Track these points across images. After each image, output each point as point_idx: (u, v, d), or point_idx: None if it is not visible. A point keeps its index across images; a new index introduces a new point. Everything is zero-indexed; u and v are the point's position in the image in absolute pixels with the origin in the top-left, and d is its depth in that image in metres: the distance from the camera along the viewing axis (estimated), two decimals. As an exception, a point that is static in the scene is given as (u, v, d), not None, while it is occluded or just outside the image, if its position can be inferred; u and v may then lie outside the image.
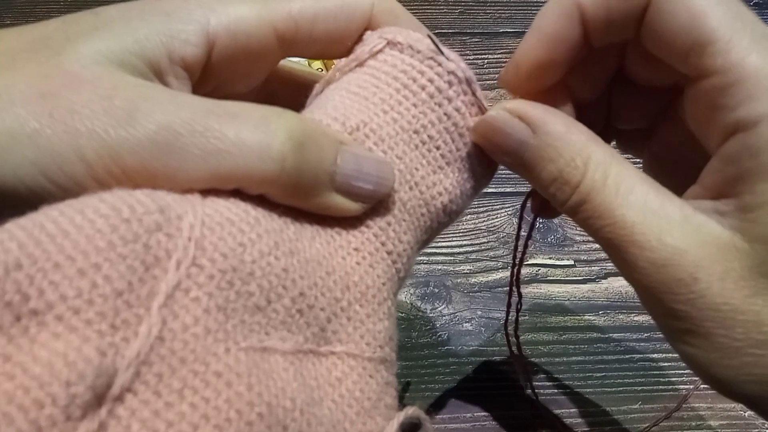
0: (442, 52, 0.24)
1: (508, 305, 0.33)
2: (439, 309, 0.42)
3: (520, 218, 0.30)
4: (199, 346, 0.18)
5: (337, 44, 0.25)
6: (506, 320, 0.34)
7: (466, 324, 0.41)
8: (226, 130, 0.19)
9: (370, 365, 0.22)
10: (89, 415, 0.15)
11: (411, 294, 0.42)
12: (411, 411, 0.22)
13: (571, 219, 0.23)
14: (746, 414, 0.38)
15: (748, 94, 0.20)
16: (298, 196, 0.21)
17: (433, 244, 0.45)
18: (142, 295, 0.17)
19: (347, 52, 0.25)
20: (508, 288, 0.32)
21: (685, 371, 0.39)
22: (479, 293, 0.43)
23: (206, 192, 0.20)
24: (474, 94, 0.24)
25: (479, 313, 0.42)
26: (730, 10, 0.21)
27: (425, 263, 0.44)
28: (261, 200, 0.21)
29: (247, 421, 0.18)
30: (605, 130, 0.29)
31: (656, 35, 0.22)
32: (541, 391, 0.38)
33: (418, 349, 0.40)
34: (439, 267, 0.44)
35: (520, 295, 0.32)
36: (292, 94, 0.28)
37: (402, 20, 0.26)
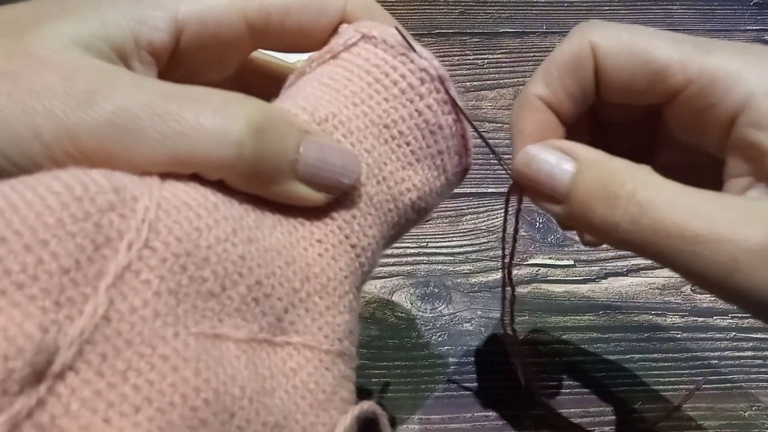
0: (413, 49, 0.24)
1: (503, 299, 0.33)
2: (439, 309, 0.42)
3: (506, 212, 0.29)
4: (146, 329, 0.18)
5: (309, 37, 0.25)
6: (502, 314, 0.34)
7: (466, 324, 0.41)
8: (185, 113, 0.19)
9: (326, 357, 0.22)
10: (27, 391, 0.15)
11: (411, 294, 0.42)
12: (367, 405, 0.22)
13: (618, 246, 0.22)
14: (746, 414, 0.38)
15: (724, 85, 0.21)
16: (258, 184, 0.21)
17: (433, 244, 0.45)
18: (90, 274, 0.17)
19: (320, 46, 0.25)
20: (507, 287, 0.32)
21: (686, 371, 0.39)
22: (479, 293, 0.43)
23: (166, 175, 0.20)
24: (447, 92, 0.24)
25: (479, 313, 0.42)
26: (664, 36, 0.22)
27: (425, 263, 0.44)
28: (222, 186, 0.21)
29: (191, 406, 0.18)
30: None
31: (616, 88, 0.23)
32: (541, 391, 0.38)
33: (418, 349, 0.40)
34: (439, 267, 0.44)
35: (513, 288, 0.32)
36: (266, 85, 0.28)
37: (377, 16, 0.26)
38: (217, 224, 0.20)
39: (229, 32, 0.24)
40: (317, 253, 0.22)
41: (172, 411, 0.17)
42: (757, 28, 0.62)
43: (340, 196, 0.23)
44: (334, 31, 0.25)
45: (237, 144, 0.20)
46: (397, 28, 0.24)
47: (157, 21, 0.22)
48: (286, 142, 0.21)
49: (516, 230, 0.29)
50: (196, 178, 0.20)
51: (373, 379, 0.38)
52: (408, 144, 0.24)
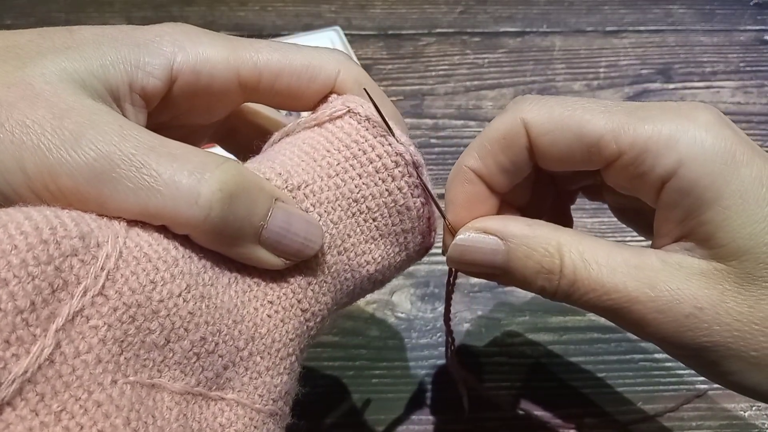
0: (392, 133, 0.25)
1: (447, 339, 0.34)
2: (439, 309, 0.42)
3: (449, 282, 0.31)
4: (86, 374, 0.18)
5: (297, 100, 0.26)
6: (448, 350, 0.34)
7: (466, 324, 0.41)
8: (162, 170, 0.20)
9: (257, 417, 0.23)
10: None
11: (411, 294, 0.42)
12: None
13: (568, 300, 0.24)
14: (746, 414, 0.38)
15: (654, 154, 0.22)
16: (220, 245, 0.22)
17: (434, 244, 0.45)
18: (43, 315, 0.18)
19: (307, 108, 0.27)
20: (448, 320, 0.33)
21: (686, 371, 0.39)
22: (479, 293, 0.43)
23: (133, 222, 0.21)
24: (419, 177, 0.25)
25: (479, 313, 0.42)
26: (596, 107, 0.24)
27: (425, 263, 0.44)
28: (185, 239, 0.21)
29: None
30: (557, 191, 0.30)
31: (551, 160, 0.25)
32: (542, 391, 0.38)
33: (418, 349, 0.40)
34: (439, 267, 0.44)
35: (450, 332, 0.33)
36: (252, 133, 0.29)
37: (367, 89, 0.27)
38: (172, 279, 0.21)
39: (221, 86, 0.25)
40: (267, 314, 0.23)
41: None
42: (757, 28, 0.62)
43: (299, 262, 0.24)
44: (325, 97, 0.26)
45: (206, 207, 0.20)
46: (379, 111, 0.25)
47: (154, 68, 0.24)
48: (255, 208, 0.22)
49: (449, 296, 0.31)
50: (163, 228, 0.21)
51: (373, 380, 0.38)
52: (374, 220, 0.25)
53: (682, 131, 0.22)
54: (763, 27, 0.63)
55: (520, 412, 0.37)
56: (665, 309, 0.22)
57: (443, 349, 0.40)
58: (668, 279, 0.22)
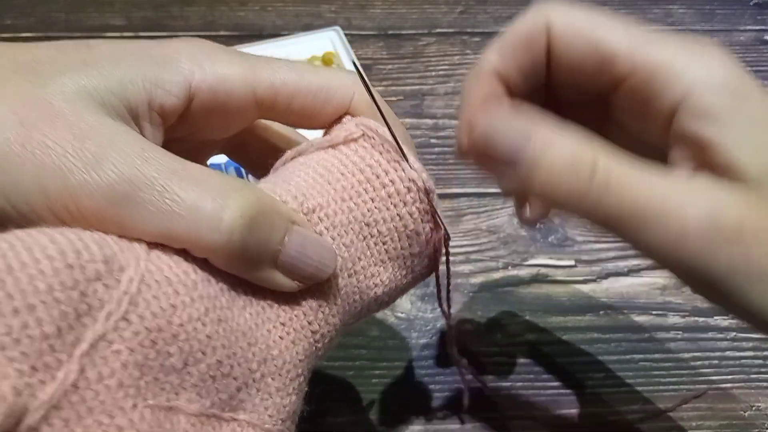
0: (406, 159, 0.25)
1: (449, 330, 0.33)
2: (439, 309, 0.41)
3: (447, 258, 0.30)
4: (109, 398, 0.19)
5: (312, 120, 0.27)
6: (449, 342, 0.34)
7: (467, 324, 0.41)
8: (184, 194, 0.20)
9: None
10: None
11: (411, 294, 0.42)
12: None
13: (579, 216, 0.23)
14: (746, 414, 0.38)
15: (665, 77, 0.22)
16: (239, 268, 0.22)
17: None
18: (68, 341, 0.18)
19: (321, 127, 0.27)
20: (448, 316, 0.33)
21: (686, 371, 0.39)
22: (479, 293, 0.43)
23: (153, 244, 0.21)
24: (430, 203, 0.26)
25: (479, 313, 0.42)
26: (620, 23, 0.23)
27: (425, 263, 0.44)
28: (203, 262, 0.22)
29: None
30: None
31: (565, 68, 0.24)
32: (542, 391, 0.38)
33: (418, 349, 0.40)
34: (439, 267, 0.44)
35: (448, 315, 0.33)
36: (261, 148, 0.30)
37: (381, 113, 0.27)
38: (192, 303, 0.21)
39: (238, 104, 0.25)
40: (279, 336, 0.23)
41: None
42: (757, 28, 0.62)
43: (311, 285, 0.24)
44: (339, 118, 0.27)
45: (227, 232, 0.21)
46: (395, 136, 0.25)
47: (172, 86, 0.24)
48: (273, 233, 0.22)
49: (448, 277, 0.30)
50: (182, 251, 0.21)
51: (373, 380, 0.38)
52: (384, 243, 0.26)
53: (695, 60, 0.22)
54: (763, 27, 0.63)
55: (520, 412, 0.37)
56: (706, 225, 0.21)
57: (443, 348, 0.40)
58: (707, 196, 0.22)
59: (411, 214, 0.26)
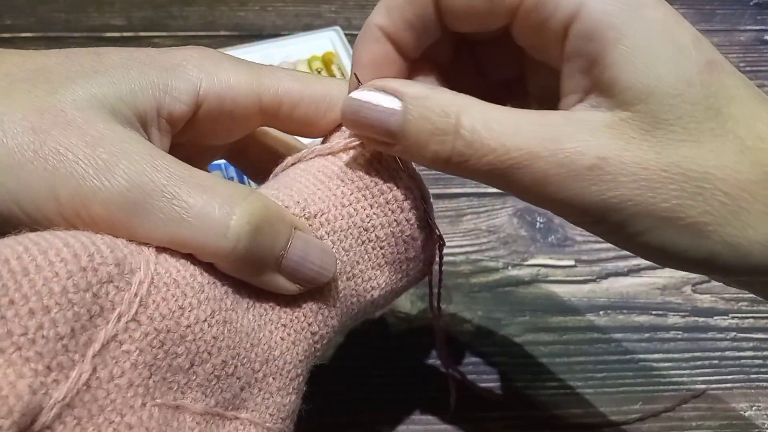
0: (405, 168, 0.26)
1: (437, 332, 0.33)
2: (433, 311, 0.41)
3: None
4: (119, 397, 0.19)
5: (313, 127, 0.27)
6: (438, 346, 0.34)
7: (466, 324, 0.41)
8: (192, 201, 0.21)
9: None
10: None
11: (411, 294, 0.42)
12: None
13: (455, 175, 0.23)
14: (746, 414, 0.38)
15: None
16: (243, 273, 0.23)
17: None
18: (81, 341, 0.19)
19: (321, 135, 0.28)
20: (438, 318, 0.33)
21: (686, 371, 0.39)
22: (479, 293, 0.43)
23: (161, 248, 0.22)
24: (425, 210, 0.26)
25: (479, 313, 0.42)
26: None
27: (425, 263, 0.44)
28: (209, 266, 0.22)
29: None
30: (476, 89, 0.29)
31: (457, 14, 0.23)
32: (542, 391, 0.38)
33: (418, 349, 0.40)
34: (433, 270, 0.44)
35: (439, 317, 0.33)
36: (263, 154, 0.30)
37: None
38: (199, 305, 0.21)
39: (243, 111, 0.26)
40: (280, 337, 0.24)
41: None
42: (757, 28, 0.62)
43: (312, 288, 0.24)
44: (338, 126, 0.27)
45: (233, 239, 0.21)
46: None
47: (181, 94, 0.24)
48: (277, 239, 0.23)
49: (440, 278, 0.31)
50: (189, 255, 0.22)
51: (373, 380, 0.38)
52: (382, 248, 0.26)
53: None
54: (763, 27, 0.63)
55: (520, 412, 0.37)
56: (567, 162, 0.21)
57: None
58: (571, 132, 0.21)
59: (408, 220, 0.26)
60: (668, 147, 0.21)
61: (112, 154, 0.21)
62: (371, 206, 0.26)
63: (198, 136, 0.26)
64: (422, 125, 0.23)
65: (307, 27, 0.60)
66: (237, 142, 0.29)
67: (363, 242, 0.26)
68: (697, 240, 0.21)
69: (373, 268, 0.27)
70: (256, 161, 0.30)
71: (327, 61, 0.54)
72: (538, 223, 0.46)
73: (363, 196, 0.26)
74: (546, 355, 0.40)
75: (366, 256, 0.26)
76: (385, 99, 0.23)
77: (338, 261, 0.25)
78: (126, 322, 0.20)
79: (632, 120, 0.21)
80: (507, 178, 0.22)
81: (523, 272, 0.44)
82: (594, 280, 0.44)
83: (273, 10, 0.62)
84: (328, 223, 0.25)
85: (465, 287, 0.43)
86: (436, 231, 0.27)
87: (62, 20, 0.60)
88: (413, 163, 0.27)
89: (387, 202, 0.26)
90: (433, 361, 0.39)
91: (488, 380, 0.39)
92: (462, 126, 0.22)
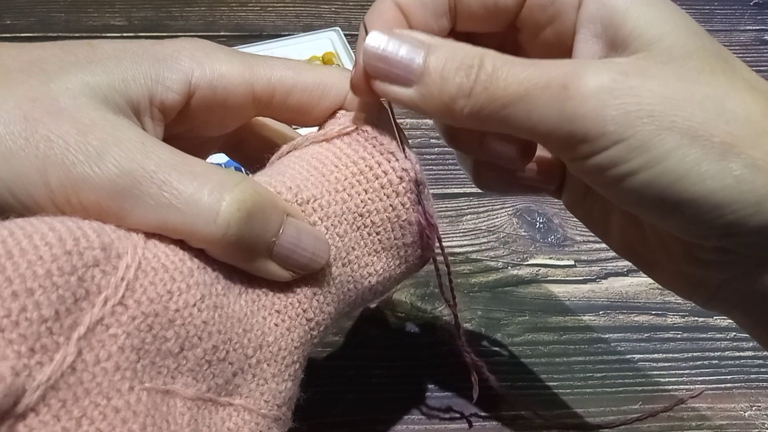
0: (404, 150, 0.26)
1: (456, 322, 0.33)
2: (439, 309, 0.41)
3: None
4: (105, 380, 0.19)
5: (307, 115, 0.27)
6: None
7: (466, 324, 0.41)
8: (182, 188, 0.21)
9: (263, 421, 0.23)
10: None
11: (411, 294, 0.42)
12: None
13: (472, 124, 0.23)
14: (746, 414, 0.38)
15: None
16: (234, 259, 0.23)
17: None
18: (66, 324, 0.19)
19: (316, 123, 0.28)
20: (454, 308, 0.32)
21: (686, 371, 0.39)
22: (479, 293, 0.43)
23: (151, 234, 0.22)
24: (419, 194, 0.26)
25: (479, 313, 0.42)
26: None
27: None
28: (200, 251, 0.22)
29: None
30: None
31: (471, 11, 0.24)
32: (542, 391, 0.38)
33: (418, 349, 0.40)
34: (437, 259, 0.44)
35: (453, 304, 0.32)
36: (259, 144, 0.30)
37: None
38: (188, 289, 0.21)
39: (236, 100, 0.26)
40: (274, 323, 0.24)
41: None
42: (757, 28, 0.63)
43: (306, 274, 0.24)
44: (333, 113, 0.27)
45: (223, 225, 0.21)
46: (397, 126, 0.26)
47: (172, 83, 0.24)
48: (269, 225, 0.23)
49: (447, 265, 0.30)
50: (179, 240, 0.22)
51: (373, 380, 0.38)
52: (377, 233, 0.26)
53: None
54: (763, 27, 0.63)
55: (521, 412, 0.37)
56: (591, 82, 0.21)
57: (443, 348, 0.40)
58: (594, 63, 0.22)
59: (403, 204, 0.26)
60: (687, 75, 0.21)
61: (103, 141, 0.21)
62: (366, 191, 0.26)
63: (192, 127, 0.26)
64: (448, 57, 0.23)
65: (307, 27, 0.60)
66: (233, 133, 0.29)
67: (358, 228, 0.26)
68: (722, 163, 0.20)
69: (369, 254, 0.26)
70: (254, 153, 0.30)
71: (327, 62, 0.54)
72: (537, 223, 0.46)
73: (357, 181, 0.26)
74: (546, 355, 0.40)
75: (362, 242, 0.26)
76: (410, 39, 0.23)
77: (333, 247, 0.25)
78: (112, 306, 0.19)
79: (648, 57, 0.21)
80: (526, 110, 0.21)
81: (522, 272, 0.44)
82: (594, 280, 0.44)
83: (273, 11, 0.62)
84: (322, 209, 0.25)
85: (465, 287, 0.43)
86: (429, 214, 0.27)
87: (62, 20, 0.60)
88: (410, 146, 0.27)
89: (382, 187, 0.26)
90: (433, 360, 0.39)
91: (488, 380, 0.39)
92: (486, 59, 0.22)
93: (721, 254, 0.23)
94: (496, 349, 0.40)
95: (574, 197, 0.29)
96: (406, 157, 0.26)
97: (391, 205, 0.26)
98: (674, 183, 0.20)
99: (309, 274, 0.24)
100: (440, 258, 0.29)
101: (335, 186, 0.25)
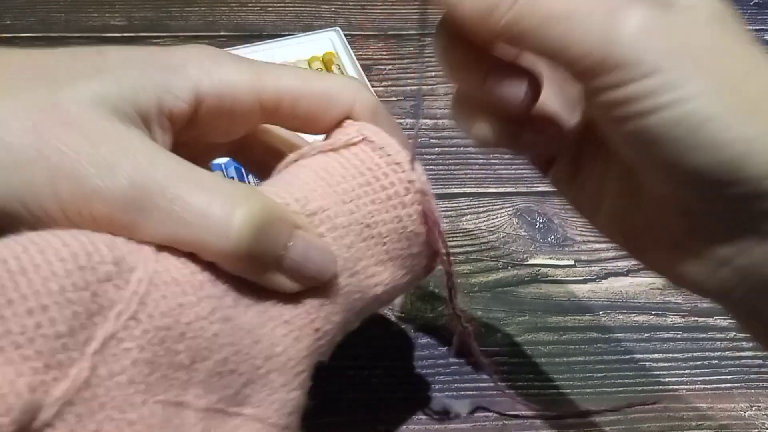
0: (411, 163, 0.26)
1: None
2: (439, 309, 0.41)
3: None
4: (120, 394, 0.19)
5: (315, 124, 0.27)
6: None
7: (467, 324, 0.41)
8: (193, 201, 0.21)
9: (272, 431, 0.23)
10: None
11: (411, 294, 0.42)
12: None
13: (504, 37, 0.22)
14: (746, 414, 0.38)
15: None
16: (244, 272, 0.23)
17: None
18: (80, 339, 0.19)
19: (323, 132, 0.28)
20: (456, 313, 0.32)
21: (686, 371, 0.39)
22: (479, 293, 0.43)
23: (161, 246, 0.22)
24: (425, 205, 0.26)
25: (479, 313, 0.42)
26: None
27: (425, 263, 0.44)
28: (210, 263, 0.22)
29: None
30: None
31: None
32: (542, 391, 0.38)
33: (418, 349, 0.40)
34: (439, 267, 0.44)
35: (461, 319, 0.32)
36: (266, 152, 0.30)
37: (382, 120, 0.28)
38: (199, 302, 0.21)
39: (243, 109, 0.26)
40: (282, 333, 0.24)
41: None
42: (757, 28, 0.62)
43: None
44: (340, 123, 0.27)
45: (235, 239, 0.21)
46: (412, 140, 0.26)
47: (181, 92, 0.24)
48: (278, 239, 0.23)
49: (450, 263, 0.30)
50: (189, 253, 0.22)
51: (374, 380, 0.38)
52: (384, 244, 0.26)
53: None
54: (763, 27, 0.63)
55: (521, 412, 0.37)
56: (640, 14, 0.20)
57: (443, 348, 0.40)
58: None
59: (410, 215, 0.26)
60: (729, 32, 0.21)
61: (114, 152, 0.21)
62: (373, 202, 0.26)
63: (200, 134, 0.27)
64: None
65: (307, 27, 0.60)
66: (240, 140, 0.29)
67: (365, 239, 0.26)
68: (754, 116, 0.20)
69: (376, 265, 0.26)
70: (260, 159, 0.31)
71: (327, 62, 0.54)
72: (537, 223, 0.46)
73: (365, 192, 0.26)
74: (546, 355, 0.40)
75: (368, 253, 0.26)
76: None
77: (340, 258, 0.25)
78: (125, 320, 0.20)
79: (695, 11, 0.21)
80: (572, 27, 0.20)
81: (523, 272, 0.44)
82: (594, 280, 0.44)
83: (273, 11, 0.62)
84: (329, 220, 0.25)
85: (465, 287, 0.43)
86: (439, 224, 0.27)
87: (62, 20, 0.60)
88: (419, 168, 0.27)
89: (389, 198, 0.26)
90: (433, 361, 0.39)
91: (488, 380, 0.39)
92: None
93: (727, 216, 0.22)
94: (496, 348, 0.40)
95: (566, 169, 0.28)
96: (413, 168, 0.26)
97: (397, 216, 0.26)
98: (701, 125, 0.20)
99: (317, 287, 0.24)
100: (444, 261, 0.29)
101: (342, 197, 0.25)
